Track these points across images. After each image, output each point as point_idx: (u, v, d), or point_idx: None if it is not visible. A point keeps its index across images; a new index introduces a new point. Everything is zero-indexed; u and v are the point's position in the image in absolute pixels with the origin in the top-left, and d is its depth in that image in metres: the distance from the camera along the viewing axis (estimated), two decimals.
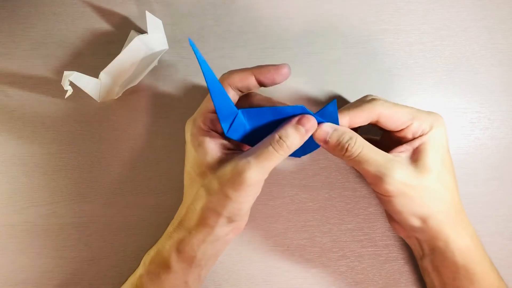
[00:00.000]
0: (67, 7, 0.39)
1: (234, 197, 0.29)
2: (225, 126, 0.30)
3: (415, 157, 0.31)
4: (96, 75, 0.35)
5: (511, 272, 0.38)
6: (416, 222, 0.31)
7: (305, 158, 0.38)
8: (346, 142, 0.30)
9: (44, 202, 0.38)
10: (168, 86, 0.38)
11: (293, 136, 0.29)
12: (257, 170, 0.28)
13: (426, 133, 0.31)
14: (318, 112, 0.31)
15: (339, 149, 0.30)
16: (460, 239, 0.31)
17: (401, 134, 0.32)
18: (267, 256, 0.38)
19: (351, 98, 0.38)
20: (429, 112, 0.32)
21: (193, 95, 0.38)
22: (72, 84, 0.34)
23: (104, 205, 0.38)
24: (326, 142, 0.30)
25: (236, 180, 0.28)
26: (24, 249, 0.38)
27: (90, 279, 0.38)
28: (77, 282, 0.38)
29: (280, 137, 0.29)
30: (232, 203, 0.29)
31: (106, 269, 0.38)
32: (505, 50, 0.38)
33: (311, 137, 0.31)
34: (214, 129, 0.31)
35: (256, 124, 0.31)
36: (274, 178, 0.38)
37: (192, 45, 0.28)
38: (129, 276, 0.34)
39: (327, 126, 0.30)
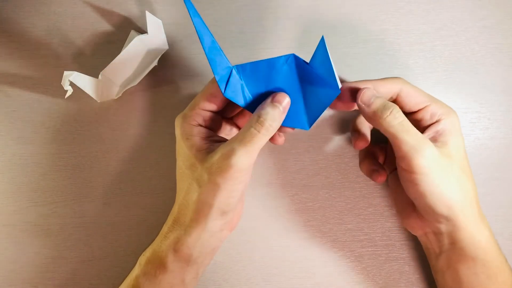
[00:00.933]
0: (67, 7, 0.39)
1: (223, 185, 0.29)
2: (222, 86, 0.30)
3: (440, 141, 0.31)
4: (96, 75, 0.35)
5: None
6: (442, 209, 0.30)
7: (305, 158, 0.38)
8: (390, 107, 0.29)
9: (44, 202, 0.38)
10: (168, 86, 0.38)
11: (271, 113, 0.29)
12: (243, 154, 0.28)
13: (445, 119, 0.31)
14: (311, 60, 0.31)
15: (381, 112, 0.29)
16: (481, 232, 0.31)
17: (419, 116, 0.32)
18: (267, 256, 0.38)
19: None
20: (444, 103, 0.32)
21: (193, 95, 0.38)
22: (72, 84, 0.34)
23: (104, 205, 0.38)
24: (369, 104, 0.30)
25: (224, 167, 0.28)
26: (24, 249, 0.38)
27: (90, 279, 0.38)
28: (77, 282, 0.38)
29: (259, 116, 0.29)
30: (222, 192, 0.29)
31: (106, 269, 0.38)
32: (505, 50, 0.38)
33: (315, 101, 0.31)
34: (203, 125, 0.32)
35: (252, 81, 0.31)
36: (274, 178, 0.38)
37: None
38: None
39: (370, 93, 0.30)
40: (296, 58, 0.30)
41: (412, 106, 0.32)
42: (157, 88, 0.38)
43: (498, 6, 0.39)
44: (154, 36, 0.36)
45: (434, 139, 0.31)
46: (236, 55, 0.38)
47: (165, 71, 0.38)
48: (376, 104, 0.30)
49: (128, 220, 0.38)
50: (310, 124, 0.32)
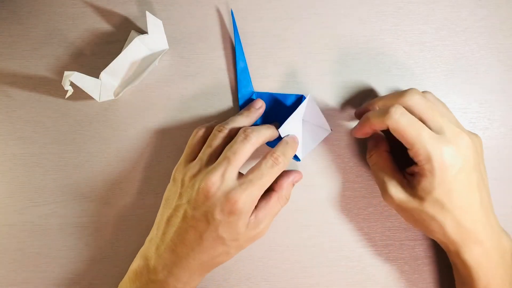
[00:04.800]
0: (67, 8, 0.39)
1: None
2: (240, 101, 0.37)
3: (411, 185, 0.32)
4: (96, 75, 0.35)
5: None
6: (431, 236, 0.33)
7: (305, 158, 0.38)
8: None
9: (44, 202, 0.38)
10: (168, 86, 0.38)
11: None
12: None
13: (424, 165, 0.30)
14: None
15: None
16: (465, 254, 0.32)
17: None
18: (267, 256, 0.38)
19: (351, 98, 0.38)
20: (443, 140, 0.30)
21: (194, 95, 0.38)
22: (72, 84, 0.34)
23: (104, 205, 0.38)
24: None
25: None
26: (24, 249, 0.38)
27: (90, 279, 0.38)
28: (77, 282, 0.38)
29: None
30: None
31: (106, 269, 0.38)
32: (505, 50, 0.38)
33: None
34: None
35: (266, 106, 0.37)
36: None
37: (233, 18, 0.37)
38: None
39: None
40: (303, 97, 0.36)
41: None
42: (157, 88, 0.38)
43: (498, 6, 0.39)
44: (154, 36, 0.36)
45: (413, 178, 0.32)
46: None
47: (165, 71, 0.38)
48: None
49: (128, 220, 0.38)
50: (302, 156, 0.36)
